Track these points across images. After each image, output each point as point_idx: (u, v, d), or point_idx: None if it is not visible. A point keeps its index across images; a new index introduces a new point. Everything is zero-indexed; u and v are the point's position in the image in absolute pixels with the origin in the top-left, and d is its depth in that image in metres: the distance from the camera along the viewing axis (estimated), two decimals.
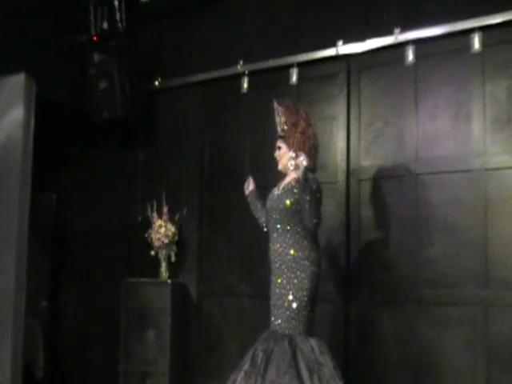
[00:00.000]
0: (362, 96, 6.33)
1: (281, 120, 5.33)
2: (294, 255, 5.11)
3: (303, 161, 4.95)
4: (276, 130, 5.38)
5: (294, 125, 5.29)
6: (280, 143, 5.37)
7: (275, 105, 5.36)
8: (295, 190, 5.15)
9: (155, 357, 7.02)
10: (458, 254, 5.68)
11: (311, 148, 5.33)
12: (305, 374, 4.85)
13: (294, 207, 5.14)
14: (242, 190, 6.78)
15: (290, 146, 5.30)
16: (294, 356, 4.92)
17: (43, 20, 7.09)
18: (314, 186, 5.02)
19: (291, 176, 5.29)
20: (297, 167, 5.12)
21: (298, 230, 5.15)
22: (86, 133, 7.82)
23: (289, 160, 5.31)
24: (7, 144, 6.30)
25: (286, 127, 5.30)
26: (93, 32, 7.25)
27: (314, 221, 5.05)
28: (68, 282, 8.13)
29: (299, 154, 5.15)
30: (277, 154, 5.41)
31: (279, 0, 6.89)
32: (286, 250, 5.16)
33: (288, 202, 5.16)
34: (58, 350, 8.05)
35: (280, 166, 5.42)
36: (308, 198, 4.97)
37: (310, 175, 5.11)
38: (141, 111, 7.49)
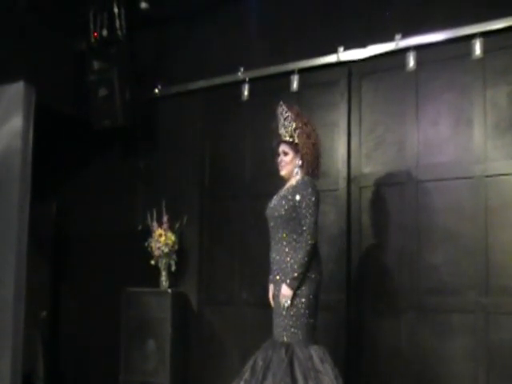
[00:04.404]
0: (363, 102, 6.31)
1: (289, 125, 5.25)
2: (290, 263, 5.05)
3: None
4: (276, 134, 5.33)
5: (307, 134, 5.26)
6: (286, 149, 5.28)
7: (283, 108, 5.30)
8: (289, 196, 5.11)
9: (155, 367, 6.95)
10: (458, 261, 5.65)
11: (319, 156, 5.34)
12: (301, 382, 4.80)
13: (289, 214, 5.09)
14: (242, 198, 6.81)
15: (298, 153, 5.24)
16: (290, 364, 4.88)
17: (43, 28, 7.09)
18: (314, 198, 5.05)
19: (291, 182, 5.25)
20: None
21: (295, 237, 5.09)
22: (86, 141, 7.79)
23: (295, 167, 5.27)
24: (6, 153, 6.30)
25: (295, 134, 5.23)
26: (92, 39, 7.23)
27: (311, 242, 5.03)
28: (68, 291, 8.09)
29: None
30: (281, 159, 5.31)
31: (279, 6, 6.87)
32: (282, 258, 5.12)
33: (282, 209, 5.11)
34: (57, 360, 8.00)
35: (284, 173, 5.32)
36: (304, 211, 5.04)
37: (307, 178, 5.16)
38: (141, 119, 7.49)
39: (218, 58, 7.19)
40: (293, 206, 5.07)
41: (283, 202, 5.12)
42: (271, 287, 5.36)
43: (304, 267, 4.98)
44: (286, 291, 5.00)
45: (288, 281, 4.99)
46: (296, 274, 4.97)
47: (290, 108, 5.31)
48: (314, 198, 5.05)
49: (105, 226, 7.64)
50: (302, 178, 5.17)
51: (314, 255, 5.08)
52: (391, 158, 6.12)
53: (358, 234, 6.19)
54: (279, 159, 5.34)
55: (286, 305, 5.00)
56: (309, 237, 5.01)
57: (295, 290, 4.99)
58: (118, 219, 7.59)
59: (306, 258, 4.98)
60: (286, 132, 5.26)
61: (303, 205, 5.03)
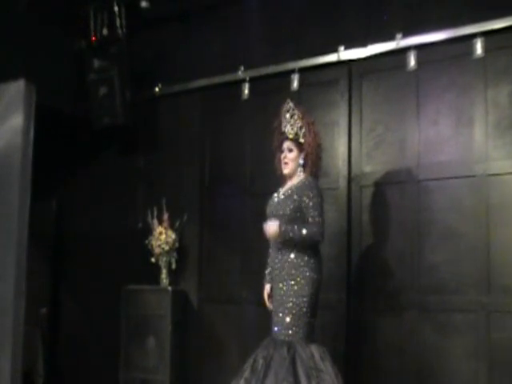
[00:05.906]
0: (363, 101, 6.31)
1: (296, 124, 5.28)
2: (293, 261, 5.08)
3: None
4: (280, 131, 5.37)
5: (315, 134, 5.32)
6: (291, 146, 5.31)
7: (291, 106, 5.33)
8: (295, 196, 5.13)
9: (155, 364, 6.97)
10: (460, 260, 5.66)
11: (321, 157, 5.38)
12: (303, 380, 4.82)
13: (294, 213, 5.12)
14: (242, 196, 6.80)
15: (302, 152, 5.28)
16: (292, 363, 4.89)
17: (43, 27, 7.08)
18: (320, 199, 5.11)
19: (293, 181, 5.28)
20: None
21: None
22: (86, 139, 7.79)
23: (298, 165, 5.30)
24: (7, 151, 6.27)
25: (301, 132, 5.27)
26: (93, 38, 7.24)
27: (317, 239, 5.08)
28: (68, 289, 8.10)
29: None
30: (286, 155, 5.33)
31: (280, 6, 6.87)
32: (285, 257, 5.14)
33: (288, 208, 5.13)
34: (57, 358, 8.01)
35: (287, 170, 5.34)
36: (312, 211, 5.06)
37: (311, 178, 5.19)
38: (141, 117, 7.49)
39: (217, 58, 7.18)
40: (298, 206, 5.10)
41: (288, 202, 5.15)
42: (267, 286, 5.39)
43: (299, 237, 5.02)
44: (274, 226, 5.07)
45: (283, 228, 5.03)
46: (291, 234, 5.02)
47: (297, 106, 5.36)
48: (320, 199, 5.11)
49: (105, 224, 7.65)
50: (306, 179, 5.21)
51: (314, 253, 5.14)
52: (392, 157, 6.12)
53: (358, 232, 6.19)
54: (283, 155, 5.36)
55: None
56: (315, 233, 5.04)
57: (280, 237, 5.06)
58: (119, 217, 7.60)
59: (306, 237, 5.02)
60: (293, 130, 5.28)
61: (310, 205, 5.06)
